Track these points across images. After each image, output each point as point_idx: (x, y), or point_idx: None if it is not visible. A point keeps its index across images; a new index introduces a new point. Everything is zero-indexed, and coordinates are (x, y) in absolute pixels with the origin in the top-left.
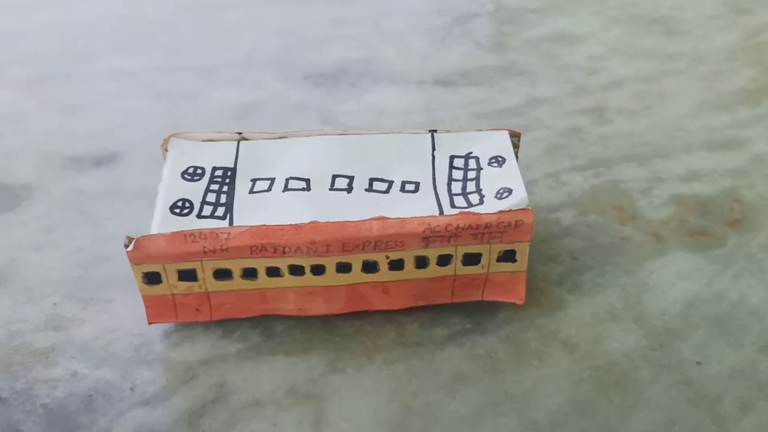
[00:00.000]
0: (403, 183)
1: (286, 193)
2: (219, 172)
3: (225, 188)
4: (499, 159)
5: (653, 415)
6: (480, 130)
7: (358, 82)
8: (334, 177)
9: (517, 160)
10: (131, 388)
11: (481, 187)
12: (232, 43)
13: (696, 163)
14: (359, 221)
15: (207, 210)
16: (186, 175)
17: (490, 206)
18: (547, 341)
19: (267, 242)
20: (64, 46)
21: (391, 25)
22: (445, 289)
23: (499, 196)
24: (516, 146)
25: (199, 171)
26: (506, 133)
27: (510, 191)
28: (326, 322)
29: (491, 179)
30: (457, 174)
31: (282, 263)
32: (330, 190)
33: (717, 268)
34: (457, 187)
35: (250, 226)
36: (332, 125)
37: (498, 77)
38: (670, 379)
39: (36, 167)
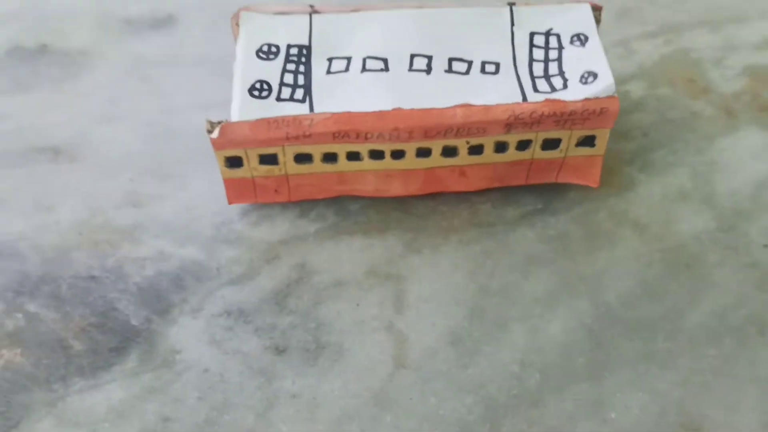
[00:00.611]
0: (483, 63)
1: (365, 74)
2: (294, 50)
3: (302, 68)
4: (582, 37)
5: (721, 298)
6: (561, 2)
7: None
8: (413, 56)
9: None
10: (217, 268)
11: (564, 69)
12: None
13: None
14: (443, 108)
15: (286, 92)
16: (261, 54)
17: (575, 92)
18: (617, 222)
19: (350, 128)
20: None
21: None
22: (521, 171)
23: (584, 80)
24: (598, 20)
25: (273, 49)
26: (588, 6)
27: (595, 75)
28: (400, 202)
29: (574, 60)
30: (538, 53)
31: (363, 148)
32: (409, 71)
33: None
34: (539, 69)
35: (333, 113)
36: None
37: None
38: (737, 262)
39: (91, 30)
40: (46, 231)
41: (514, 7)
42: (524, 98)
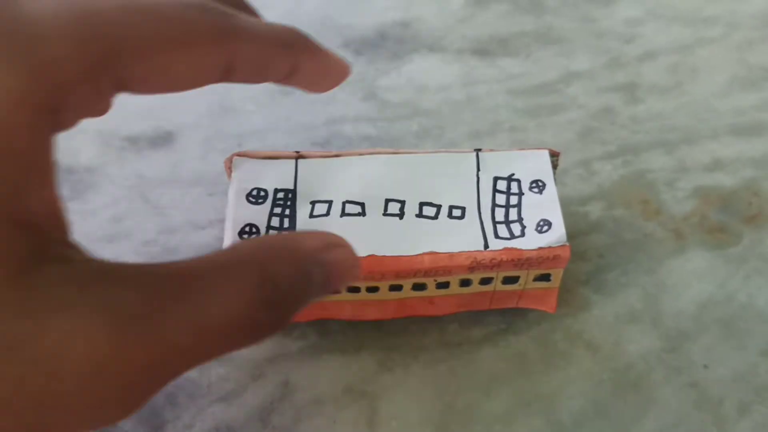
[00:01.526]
0: (451, 208)
1: (344, 218)
2: (281, 194)
3: (287, 211)
4: (540, 184)
5: (662, 416)
6: (522, 149)
7: (397, 50)
8: (387, 201)
9: (556, 180)
10: (208, 386)
11: (523, 216)
12: (269, 2)
13: (721, 150)
14: (412, 256)
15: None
16: (251, 198)
17: (531, 240)
18: (572, 342)
19: None
20: None
21: None
22: (485, 300)
23: (539, 228)
24: (555, 166)
25: (262, 193)
26: (546, 154)
27: (550, 225)
28: (375, 322)
29: (532, 207)
30: (501, 198)
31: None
32: (383, 215)
33: (730, 268)
34: (500, 214)
35: None
36: (374, 102)
37: (534, 45)
38: (679, 381)
39: (97, 148)
40: None
41: (480, 153)
42: (486, 244)
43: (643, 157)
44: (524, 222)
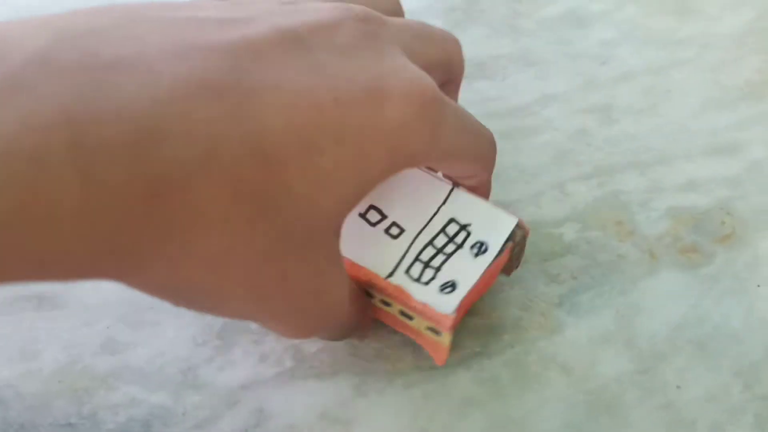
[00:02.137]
0: (392, 224)
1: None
2: None
3: None
4: (482, 248)
5: None
6: (497, 207)
7: None
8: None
9: (521, 257)
10: (183, 414)
11: (443, 268)
12: None
13: (694, 170)
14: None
15: None
16: None
17: (427, 292)
18: (546, 365)
19: None
20: None
21: (408, 3)
22: (393, 321)
23: (443, 288)
24: (518, 239)
25: None
26: (512, 223)
27: (454, 288)
28: (350, 344)
29: (456, 265)
30: (440, 241)
31: None
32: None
33: (704, 288)
34: (427, 255)
35: None
36: None
37: (511, 68)
38: (652, 403)
39: None
40: (29, 378)
41: (454, 190)
42: (391, 273)
43: (618, 178)
44: (438, 273)
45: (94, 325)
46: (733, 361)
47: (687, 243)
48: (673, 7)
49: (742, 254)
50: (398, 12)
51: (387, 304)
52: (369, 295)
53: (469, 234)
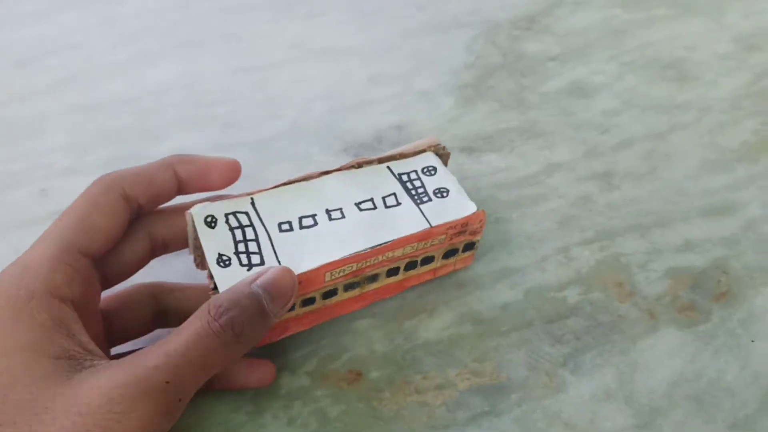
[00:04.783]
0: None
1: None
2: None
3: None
4: (431, 169)
5: None
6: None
7: None
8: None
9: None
10: None
11: (427, 190)
12: (281, 109)
13: (691, 231)
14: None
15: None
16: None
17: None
18: (551, 422)
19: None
20: (134, 123)
21: (422, 83)
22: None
23: (437, 193)
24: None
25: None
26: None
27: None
28: (370, 407)
29: (431, 184)
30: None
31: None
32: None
33: (700, 344)
34: (418, 195)
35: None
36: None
37: (518, 140)
38: None
39: None
40: None
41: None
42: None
43: (618, 242)
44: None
45: None
46: (728, 414)
47: (685, 302)
48: (672, 74)
49: (737, 311)
50: None
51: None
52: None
53: (416, 171)
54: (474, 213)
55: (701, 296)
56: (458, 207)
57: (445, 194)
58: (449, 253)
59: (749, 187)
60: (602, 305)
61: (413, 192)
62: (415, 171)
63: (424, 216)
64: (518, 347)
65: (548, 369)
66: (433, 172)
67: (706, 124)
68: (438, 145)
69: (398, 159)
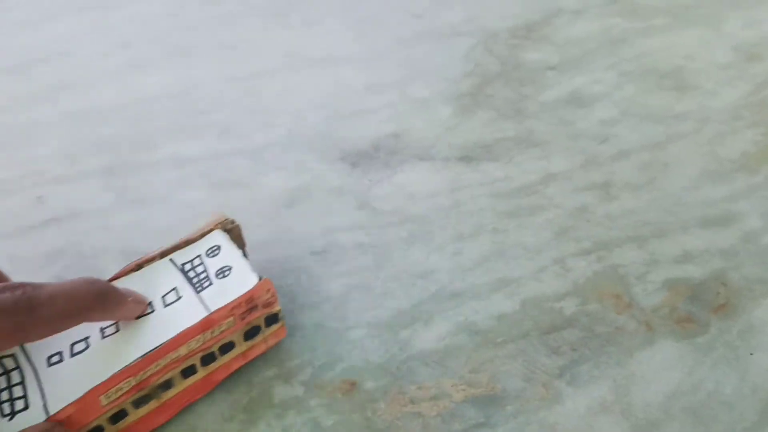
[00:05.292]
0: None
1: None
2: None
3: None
4: (216, 249)
5: None
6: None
7: (389, 161)
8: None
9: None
10: None
11: (209, 274)
12: (276, 117)
13: (690, 242)
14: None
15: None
16: None
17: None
18: None
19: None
20: (128, 131)
21: (419, 92)
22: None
23: (218, 274)
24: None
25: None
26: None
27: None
28: (364, 417)
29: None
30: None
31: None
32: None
33: (698, 356)
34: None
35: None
36: (367, 211)
37: (516, 150)
38: None
39: (120, 265)
40: None
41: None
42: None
43: (616, 253)
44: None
45: None
46: (727, 427)
47: (683, 313)
48: (670, 83)
49: (736, 323)
50: None
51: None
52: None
53: (200, 256)
54: (257, 285)
55: (699, 308)
56: (239, 283)
57: (227, 273)
58: (251, 333)
59: (749, 197)
60: (599, 316)
61: (195, 280)
62: (199, 256)
63: (203, 304)
64: (514, 358)
65: (544, 380)
66: (217, 252)
67: (706, 134)
68: (225, 219)
69: (183, 247)
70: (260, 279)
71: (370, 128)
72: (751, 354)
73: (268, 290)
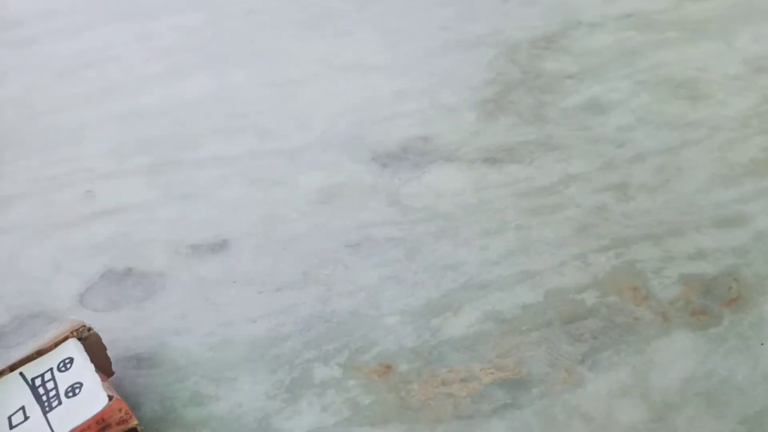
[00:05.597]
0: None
1: None
2: None
3: None
4: (67, 363)
5: None
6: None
7: (419, 161)
8: None
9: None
10: None
11: (60, 392)
12: (312, 120)
13: (704, 241)
14: None
15: None
16: None
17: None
18: (570, 415)
19: None
20: (172, 132)
21: (446, 98)
22: None
23: (68, 393)
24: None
25: None
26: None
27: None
28: (399, 397)
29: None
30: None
31: None
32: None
33: (712, 346)
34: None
35: None
36: (398, 208)
37: (537, 152)
38: None
39: (166, 255)
40: None
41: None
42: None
43: (634, 249)
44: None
45: (184, 380)
46: (738, 411)
47: (697, 306)
48: (684, 93)
49: (747, 316)
50: None
51: None
52: None
53: (51, 369)
54: (107, 405)
55: (713, 301)
56: (90, 403)
57: (78, 390)
58: None
59: (758, 200)
60: (618, 308)
61: (44, 398)
62: (51, 369)
63: (50, 427)
64: (538, 345)
65: (567, 366)
66: (69, 365)
67: (717, 140)
68: (81, 327)
69: (35, 358)
70: (110, 399)
71: (400, 132)
72: (762, 344)
73: (120, 409)
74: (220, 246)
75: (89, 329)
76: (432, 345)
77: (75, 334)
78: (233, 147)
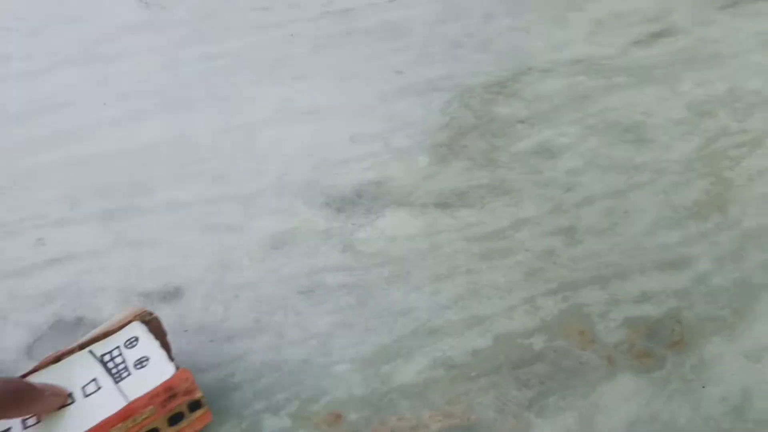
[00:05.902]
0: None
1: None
2: None
3: None
4: (133, 341)
5: None
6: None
7: (372, 206)
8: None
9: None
10: None
11: (127, 365)
12: (267, 165)
13: (648, 284)
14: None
15: None
16: None
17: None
18: None
19: None
20: (126, 177)
21: (400, 142)
22: None
23: (138, 365)
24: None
25: None
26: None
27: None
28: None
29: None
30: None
31: None
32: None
33: (655, 389)
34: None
35: None
36: (351, 253)
37: (489, 197)
38: None
39: (117, 304)
40: None
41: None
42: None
43: (581, 293)
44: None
45: None
46: None
47: (641, 349)
48: (630, 137)
49: (689, 358)
50: None
51: None
52: None
53: (119, 347)
54: (174, 375)
55: (656, 344)
56: (158, 374)
57: (145, 363)
58: (175, 419)
59: (700, 242)
60: (565, 352)
61: (114, 371)
62: (118, 347)
63: (122, 394)
64: (487, 391)
65: (515, 412)
66: (135, 343)
67: (661, 184)
68: (144, 311)
69: (101, 339)
70: (177, 369)
71: (354, 176)
72: (703, 387)
73: (187, 379)
74: (171, 294)
75: (151, 314)
76: (382, 392)
77: (138, 317)
78: (187, 192)
